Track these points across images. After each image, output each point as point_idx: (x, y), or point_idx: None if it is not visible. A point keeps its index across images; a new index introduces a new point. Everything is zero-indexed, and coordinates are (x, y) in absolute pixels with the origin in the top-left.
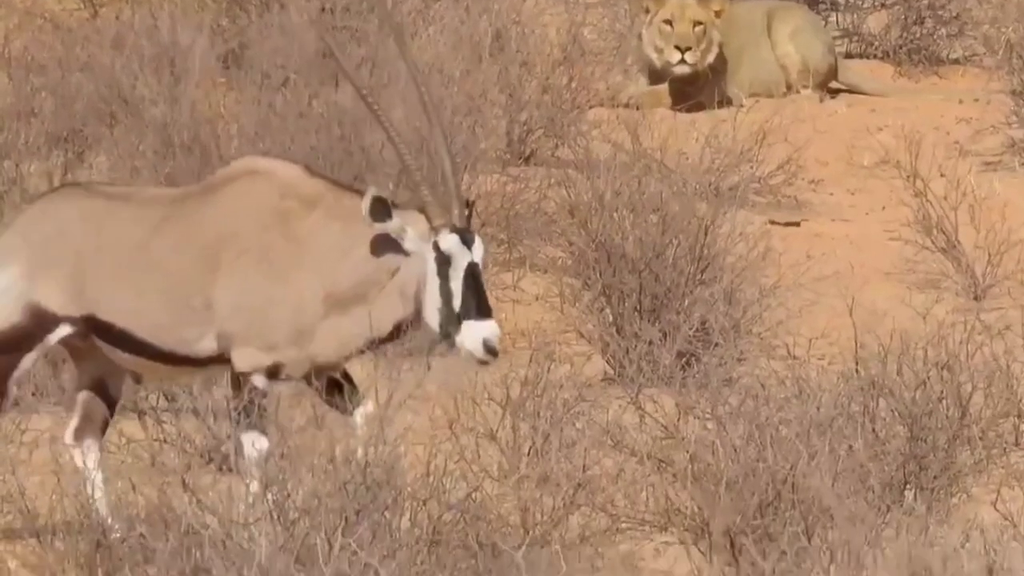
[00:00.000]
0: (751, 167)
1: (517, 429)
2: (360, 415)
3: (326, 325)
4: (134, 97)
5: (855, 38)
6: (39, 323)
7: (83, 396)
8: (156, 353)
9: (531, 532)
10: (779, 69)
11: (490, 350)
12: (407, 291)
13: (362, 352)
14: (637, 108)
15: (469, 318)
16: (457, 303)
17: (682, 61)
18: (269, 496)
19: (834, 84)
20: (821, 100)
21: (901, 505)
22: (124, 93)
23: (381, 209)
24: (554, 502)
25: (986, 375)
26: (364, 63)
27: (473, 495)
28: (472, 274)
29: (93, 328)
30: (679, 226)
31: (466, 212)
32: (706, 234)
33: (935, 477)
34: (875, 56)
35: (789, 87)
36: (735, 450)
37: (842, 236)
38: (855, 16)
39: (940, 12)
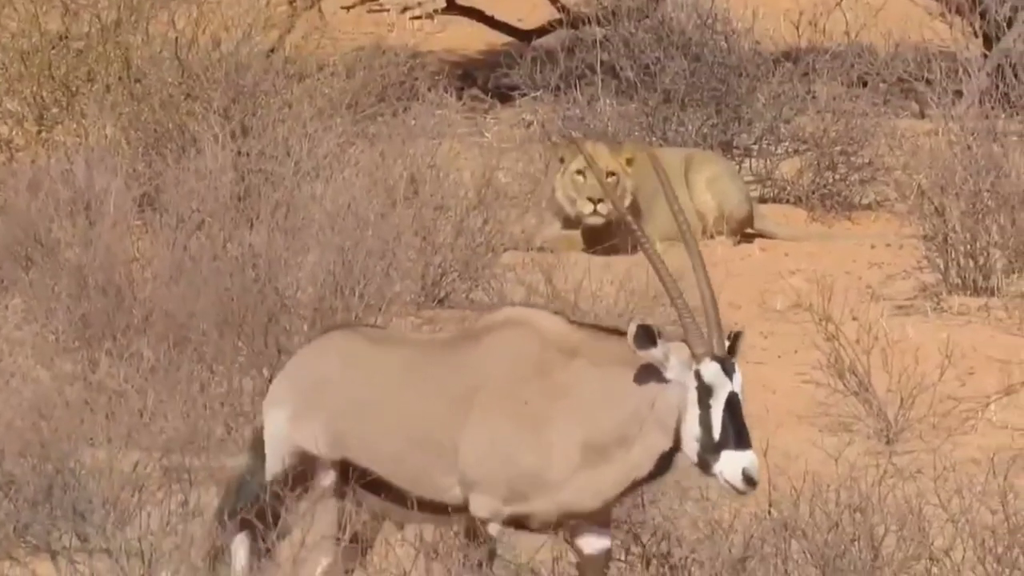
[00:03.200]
0: (665, 310)
1: (431, 572)
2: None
3: (583, 475)
4: (49, 240)
5: (768, 183)
6: (305, 467)
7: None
8: (412, 501)
9: None
10: (695, 216)
11: (749, 481)
12: (667, 422)
13: (623, 497)
14: (551, 251)
15: (728, 448)
16: (717, 433)
17: (595, 212)
18: None
19: (748, 229)
20: (735, 243)
21: None
22: (40, 236)
23: (646, 337)
24: None
25: (898, 517)
26: (279, 207)
27: None
28: (732, 404)
29: (349, 473)
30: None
31: (726, 342)
32: None
33: None
34: (788, 201)
35: (705, 233)
36: None
37: (755, 379)
38: (768, 161)
39: (853, 158)
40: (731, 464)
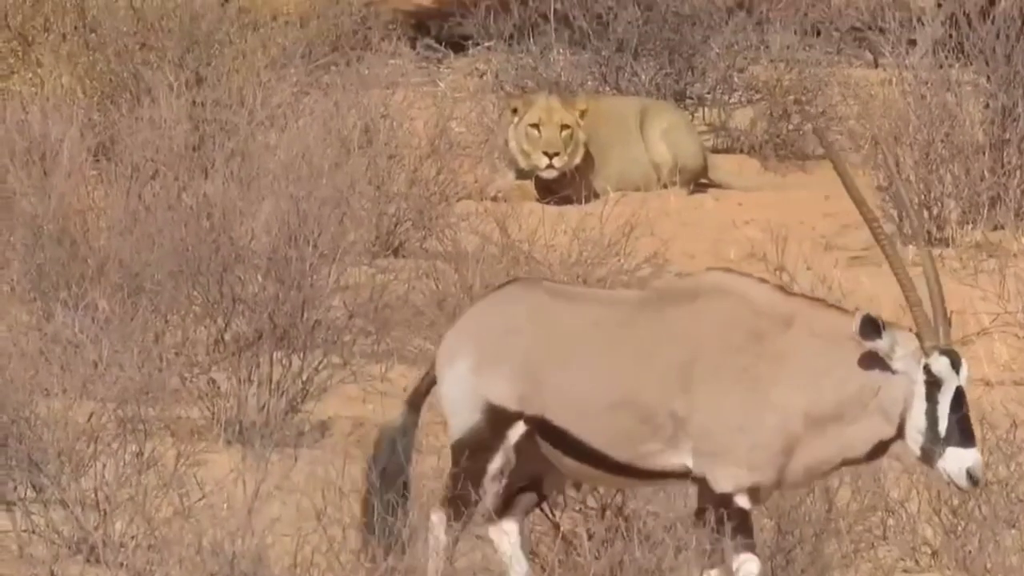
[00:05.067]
0: (619, 260)
1: (385, 521)
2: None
3: (803, 445)
4: (4, 190)
5: (722, 133)
6: (495, 421)
7: (515, 487)
8: (608, 464)
9: None
10: (650, 167)
11: (973, 479)
12: (891, 411)
13: (828, 474)
14: (505, 200)
15: (953, 444)
16: (943, 428)
17: (550, 166)
18: None
19: (702, 179)
20: (689, 193)
21: None
22: None
23: (872, 327)
24: None
25: (853, 469)
26: (234, 156)
27: None
28: (959, 399)
29: (540, 431)
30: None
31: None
32: None
33: (802, 571)
34: (741, 151)
35: (660, 184)
36: (603, 543)
37: None
38: (722, 111)
39: (806, 107)
40: (956, 461)
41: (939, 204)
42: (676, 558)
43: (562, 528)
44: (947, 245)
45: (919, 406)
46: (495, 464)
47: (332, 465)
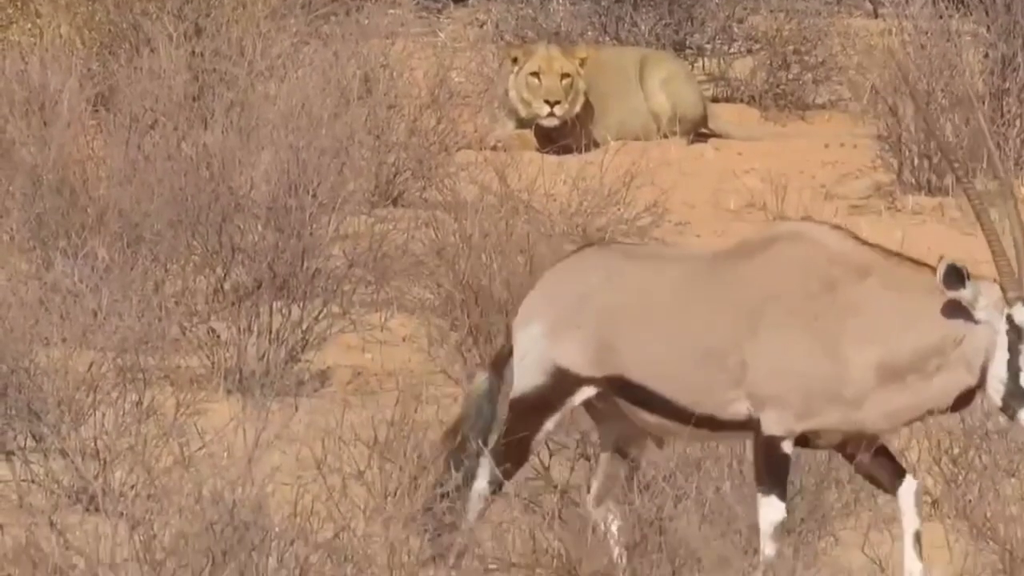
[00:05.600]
0: (618, 209)
1: (384, 470)
2: (908, 493)
3: (878, 395)
4: (4, 140)
5: (721, 83)
6: (562, 384)
7: (605, 457)
8: (687, 416)
9: (398, 573)
10: (649, 117)
11: None
12: (973, 361)
13: (913, 422)
14: (505, 150)
15: None
16: None
17: (551, 114)
18: (136, 536)
19: (702, 129)
20: (689, 143)
21: None
22: None
23: (956, 277)
24: (421, 543)
25: None
26: (233, 107)
27: (340, 535)
28: None
29: (619, 390)
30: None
31: None
32: None
33: (802, 520)
34: (741, 100)
35: (660, 133)
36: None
37: None
38: (721, 61)
39: (806, 57)
40: None
41: (938, 153)
42: (676, 507)
43: (561, 475)
44: (946, 194)
45: (1001, 356)
46: (550, 424)
47: (332, 414)
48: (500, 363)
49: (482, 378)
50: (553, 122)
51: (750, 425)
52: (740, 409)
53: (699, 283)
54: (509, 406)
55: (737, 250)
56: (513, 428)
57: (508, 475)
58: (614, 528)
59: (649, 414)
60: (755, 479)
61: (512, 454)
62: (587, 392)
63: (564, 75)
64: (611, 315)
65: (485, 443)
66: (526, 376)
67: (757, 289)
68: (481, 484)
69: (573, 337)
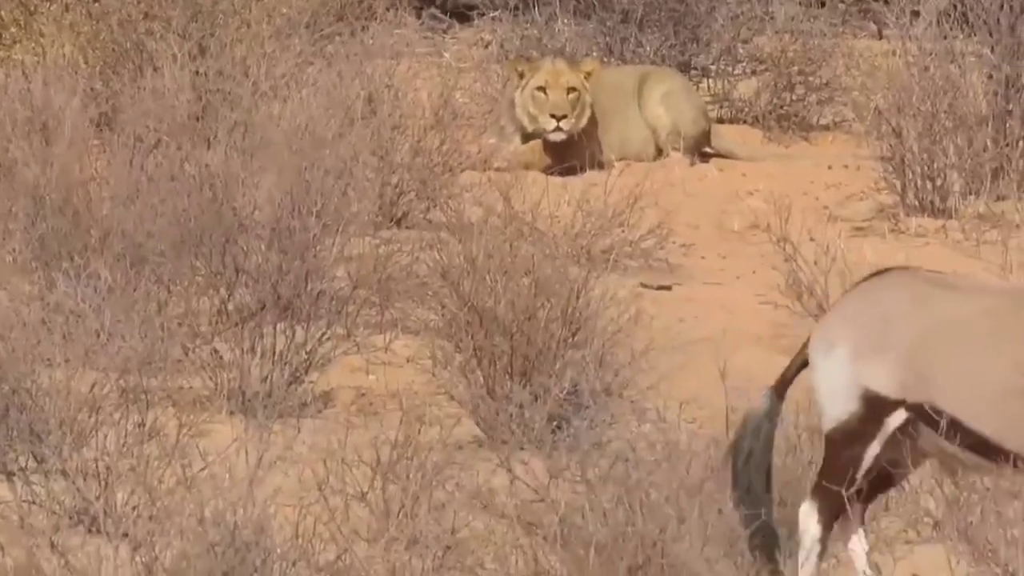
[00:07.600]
0: (622, 230)
1: (387, 491)
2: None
3: None
4: (7, 160)
5: (725, 104)
6: (874, 409)
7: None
8: (1001, 453)
9: None
10: (648, 131)
11: None
12: None
13: None
14: (514, 168)
15: None
16: None
17: (558, 129)
18: (137, 558)
19: (705, 149)
20: (692, 164)
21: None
22: None
23: None
24: (423, 564)
25: None
26: (237, 127)
27: (342, 557)
28: None
29: (924, 418)
30: (551, 289)
31: None
32: (578, 297)
33: None
34: (745, 121)
35: (659, 150)
36: (604, 514)
37: (713, 300)
38: (726, 82)
39: (810, 79)
40: None
41: (942, 175)
42: (679, 529)
43: (563, 497)
44: (950, 216)
45: None
46: (871, 452)
47: (335, 435)
48: (783, 386)
49: (764, 395)
50: (560, 136)
51: None
52: None
53: (1018, 317)
54: (826, 441)
55: None
56: (834, 463)
57: (835, 514)
58: (860, 558)
59: (954, 446)
60: None
61: (835, 493)
62: (901, 416)
63: (571, 89)
64: (921, 340)
65: (768, 469)
66: (836, 405)
67: None
68: (814, 530)
69: (882, 359)
